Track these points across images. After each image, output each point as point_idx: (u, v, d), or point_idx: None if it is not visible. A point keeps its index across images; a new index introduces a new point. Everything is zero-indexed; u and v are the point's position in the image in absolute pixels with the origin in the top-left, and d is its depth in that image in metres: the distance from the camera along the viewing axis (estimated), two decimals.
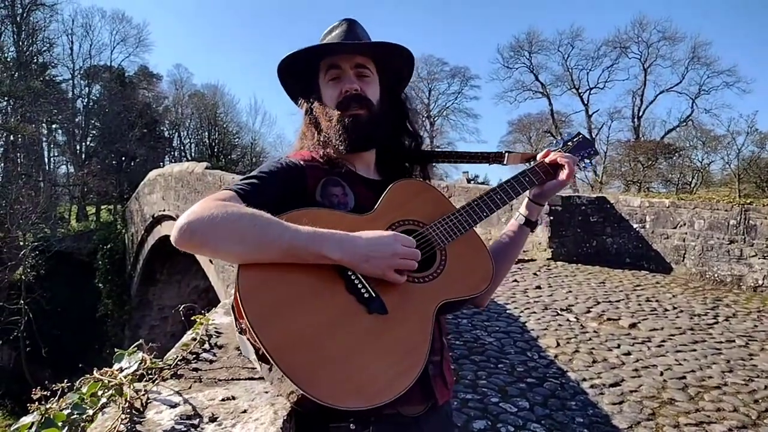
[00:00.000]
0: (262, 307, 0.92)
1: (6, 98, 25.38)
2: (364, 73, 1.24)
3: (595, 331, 5.18)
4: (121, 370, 1.13)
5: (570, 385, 3.92)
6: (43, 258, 19.26)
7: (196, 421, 0.96)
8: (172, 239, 0.97)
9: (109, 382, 1.04)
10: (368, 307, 0.99)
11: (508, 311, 5.78)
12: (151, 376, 1.14)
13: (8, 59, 27.75)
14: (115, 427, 0.92)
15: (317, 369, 0.91)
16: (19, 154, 28.41)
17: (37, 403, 0.94)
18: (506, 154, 1.46)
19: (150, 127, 35.07)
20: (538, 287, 6.84)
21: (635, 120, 32.30)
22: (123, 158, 33.46)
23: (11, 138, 26.95)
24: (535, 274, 7.63)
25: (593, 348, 4.70)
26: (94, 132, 34.21)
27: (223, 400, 1.05)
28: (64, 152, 33.91)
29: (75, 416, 0.96)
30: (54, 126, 33.10)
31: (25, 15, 29.13)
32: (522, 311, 5.80)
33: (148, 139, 34.22)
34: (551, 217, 8.41)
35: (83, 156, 32.35)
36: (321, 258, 0.97)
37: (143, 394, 1.04)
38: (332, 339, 0.94)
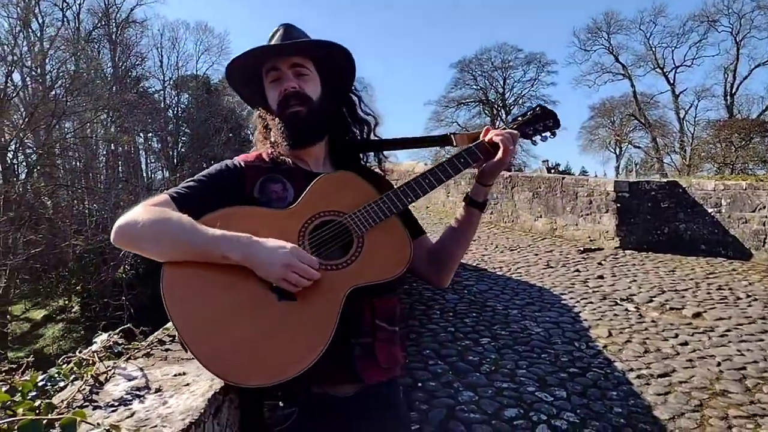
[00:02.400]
0: (177, 300, 1.07)
1: (106, 111, 27.70)
2: (301, 72, 1.30)
3: (653, 321, 4.99)
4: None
5: (614, 375, 3.84)
6: (141, 257, 20.81)
7: (143, 393, 1.13)
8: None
9: (82, 360, 1.23)
10: (278, 294, 1.11)
11: (562, 301, 5.68)
12: (127, 355, 1.33)
13: (107, 75, 30.23)
14: (73, 395, 1.10)
15: (224, 352, 1.05)
16: (119, 162, 30.90)
17: (4, 374, 1.15)
18: (452, 136, 1.45)
19: (235, 132, 36.83)
20: (600, 277, 6.64)
21: (728, 98, 29.85)
22: (212, 162, 35.33)
23: (111, 147, 29.38)
24: (600, 263, 7.39)
25: (647, 338, 4.54)
26: (185, 138, 36.44)
27: (175, 375, 1.21)
28: (159, 158, 36.41)
29: (48, 386, 1.16)
30: (149, 134, 35.61)
31: (119, 33, 31.48)
32: (578, 301, 5.67)
33: (234, 143, 35.95)
34: (618, 204, 8.08)
35: (175, 161, 34.57)
36: (225, 259, 1.09)
37: (110, 369, 1.23)
38: (241, 324, 1.08)
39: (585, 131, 35.75)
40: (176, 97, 37.32)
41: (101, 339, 1.32)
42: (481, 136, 1.38)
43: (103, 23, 30.80)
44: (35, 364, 1.29)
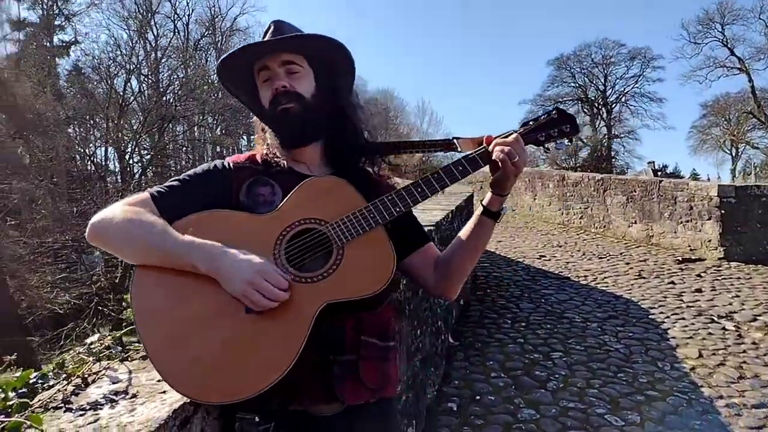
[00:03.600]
0: (144, 310, 1.05)
1: (212, 115, 29.57)
2: (292, 69, 1.23)
3: (754, 343, 4.44)
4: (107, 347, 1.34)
5: (700, 402, 3.45)
6: None
7: (118, 397, 1.11)
8: None
9: (74, 357, 1.24)
10: (246, 306, 1.04)
11: (650, 316, 5.22)
12: (124, 354, 1.34)
13: (213, 82, 32.25)
14: (53, 396, 1.11)
15: (185, 367, 1.01)
16: None
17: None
18: (456, 140, 1.35)
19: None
20: (698, 290, 6.04)
21: None
22: None
23: (217, 149, 31.33)
24: (699, 275, 6.73)
25: (744, 362, 4.05)
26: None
27: (158, 381, 1.19)
28: None
29: (38, 384, 1.17)
30: (251, 137, 37.57)
31: (224, 41, 33.39)
32: (668, 317, 5.19)
33: None
34: (722, 211, 7.32)
35: None
36: (193, 268, 1.04)
37: (102, 371, 1.23)
38: (204, 338, 1.03)
39: (696, 131, 33.15)
40: None
41: (93, 339, 1.32)
42: (484, 142, 1.24)
43: (210, 32, 32.82)
44: None
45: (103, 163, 27.37)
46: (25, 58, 24.79)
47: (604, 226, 9.84)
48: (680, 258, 7.62)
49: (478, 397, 3.50)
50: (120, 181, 23.78)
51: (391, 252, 1.15)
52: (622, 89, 35.32)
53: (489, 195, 1.28)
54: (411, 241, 1.32)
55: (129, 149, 27.29)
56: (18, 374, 1.20)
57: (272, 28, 1.26)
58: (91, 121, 27.77)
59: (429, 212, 4.74)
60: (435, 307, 3.89)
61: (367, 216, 1.14)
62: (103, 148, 27.91)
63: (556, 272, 7.14)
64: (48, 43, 27.24)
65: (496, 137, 1.24)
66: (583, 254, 8.24)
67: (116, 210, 1.11)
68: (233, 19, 34.01)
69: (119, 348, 1.35)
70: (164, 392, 1.13)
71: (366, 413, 1.17)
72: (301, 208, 1.15)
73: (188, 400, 1.08)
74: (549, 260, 7.92)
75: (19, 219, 20.34)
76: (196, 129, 30.11)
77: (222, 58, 1.27)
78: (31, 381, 1.18)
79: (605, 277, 6.78)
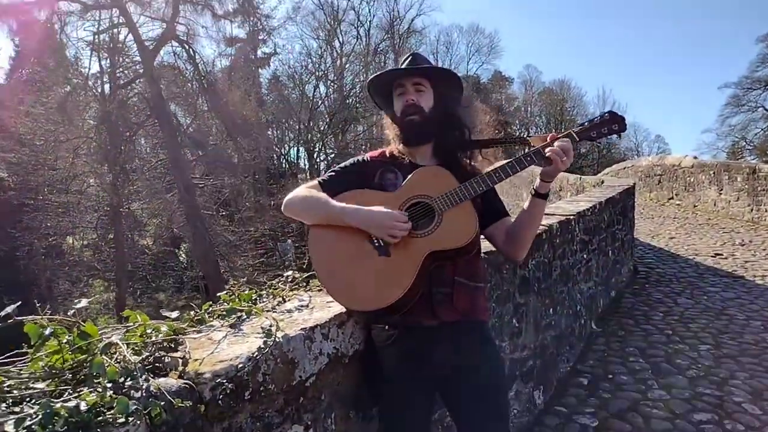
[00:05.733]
0: (315, 251, 1.70)
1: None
2: (420, 89, 1.78)
3: None
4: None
5: None
6: None
7: (302, 308, 1.78)
8: None
9: (276, 286, 1.95)
10: (379, 251, 1.64)
11: None
12: (306, 286, 2.02)
13: None
14: (266, 305, 1.81)
15: (341, 286, 1.64)
16: None
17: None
18: (529, 137, 1.79)
19: (502, 128, 37.89)
20: None
21: None
22: None
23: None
24: None
25: None
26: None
27: (329, 301, 1.84)
28: None
29: (256, 299, 1.90)
30: None
31: (401, 43, 35.10)
32: None
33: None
34: None
35: None
36: (344, 223, 1.66)
37: (293, 294, 1.93)
38: (353, 269, 1.65)
39: None
40: None
41: (288, 273, 2.03)
42: (549, 139, 1.68)
43: (389, 35, 34.75)
44: None
45: (295, 161, 30.60)
46: (234, 71, 28.77)
47: None
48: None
49: (610, 376, 3.74)
50: (309, 177, 26.50)
51: (475, 217, 1.67)
52: None
53: (538, 180, 1.73)
54: (493, 214, 1.84)
55: (317, 148, 30.15)
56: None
57: (411, 58, 1.84)
58: (286, 124, 31.25)
59: (576, 203, 4.98)
60: (574, 292, 4.18)
61: (459, 193, 1.67)
62: (295, 148, 31.20)
63: (730, 271, 6.73)
64: (253, 56, 31.19)
65: (559, 136, 1.68)
66: None
67: (299, 191, 1.80)
68: (411, 21, 35.50)
69: (305, 283, 2.04)
70: (330, 306, 1.78)
71: (458, 327, 1.69)
72: (415, 188, 1.72)
73: (345, 310, 1.71)
74: (725, 258, 7.43)
75: (229, 210, 23.90)
76: (374, 128, 32.25)
77: (372, 77, 1.89)
78: (253, 297, 1.91)
79: None
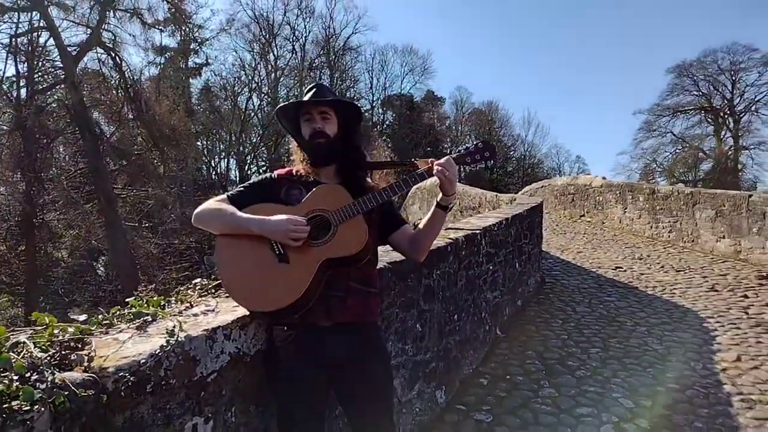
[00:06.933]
0: (221, 260, 1.87)
1: None
2: (325, 116, 2.00)
3: None
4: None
5: (716, 396, 3.77)
6: None
7: (208, 312, 1.94)
8: None
9: (185, 292, 2.10)
10: (279, 258, 1.83)
11: (705, 324, 5.42)
12: (215, 292, 2.18)
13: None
14: (173, 309, 1.96)
15: (242, 289, 1.82)
16: None
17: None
18: (415, 161, 2.02)
19: (433, 146, 38.95)
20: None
21: None
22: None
23: None
24: None
25: None
26: (389, 152, 39.66)
27: (234, 306, 2.00)
28: None
29: (165, 305, 2.04)
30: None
31: (336, 60, 35.47)
32: (723, 325, 5.36)
33: (431, 156, 37.94)
34: None
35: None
36: (251, 231, 1.84)
37: (200, 300, 2.08)
38: (255, 274, 1.83)
39: None
40: (382, 116, 40.67)
41: (197, 281, 2.18)
42: (430, 163, 1.95)
43: (324, 51, 35.04)
44: None
45: (225, 172, 30.05)
46: (163, 80, 28.00)
47: (692, 241, 9.71)
48: (765, 274, 7.49)
49: (508, 377, 4.08)
50: None
51: (365, 229, 1.89)
52: (754, 97, 32.75)
53: (440, 194, 1.99)
54: (392, 224, 2.09)
55: (248, 160, 29.74)
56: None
57: (316, 89, 2.06)
58: (217, 135, 30.70)
59: (485, 219, 5.35)
60: (479, 301, 4.51)
61: (352, 208, 1.89)
62: (225, 160, 30.64)
63: (626, 282, 7.36)
64: (183, 66, 30.53)
65: (440, 160, 1.95)
66: (662, 267, 8.31)
67: (208, 203, 1.97)
68: (346, 38, 35.89)
69: (214, 290, 2.20)
70: (235, 311, 1.95)
71: (351, 328, 1.90)
72: (314, 203, 1.93)
73: (248, 314, 1.89)
74: (624, 271, 8.10)
75: (152, 222, 23.16)
76: None
77: (281, 105, 2.08)
78: (161, 304, 2.05)
79: (674, 289, 6.92)
